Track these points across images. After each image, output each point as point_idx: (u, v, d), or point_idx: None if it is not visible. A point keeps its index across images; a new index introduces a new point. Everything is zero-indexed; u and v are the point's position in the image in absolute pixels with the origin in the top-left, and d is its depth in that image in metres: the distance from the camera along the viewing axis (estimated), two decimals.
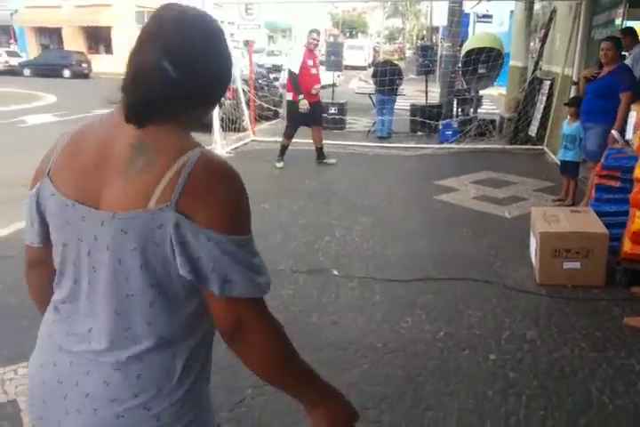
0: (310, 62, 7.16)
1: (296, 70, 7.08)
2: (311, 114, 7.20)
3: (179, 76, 0.99)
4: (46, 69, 25.29)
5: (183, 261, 0.97)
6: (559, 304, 3.51)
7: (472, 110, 9.84)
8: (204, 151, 1.01)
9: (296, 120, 7.31)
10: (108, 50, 30.13)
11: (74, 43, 29.63)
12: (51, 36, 31.39)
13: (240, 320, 0.99)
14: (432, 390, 2.63)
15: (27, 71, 26.02)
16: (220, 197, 0.99)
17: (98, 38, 30.53)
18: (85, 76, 26.09)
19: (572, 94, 6.67)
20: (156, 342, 1.03)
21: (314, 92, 7.21)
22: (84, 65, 26.75)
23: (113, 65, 25.10)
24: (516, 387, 2.65)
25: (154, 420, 1.03)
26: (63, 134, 1.13)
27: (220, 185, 1.00)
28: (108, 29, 29.19)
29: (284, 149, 7.43)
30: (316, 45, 7.43)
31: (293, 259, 4.18)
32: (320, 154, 7.57)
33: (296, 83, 7.10)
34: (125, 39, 28.39)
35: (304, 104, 7.01)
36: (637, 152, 3.73)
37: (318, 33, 7.63)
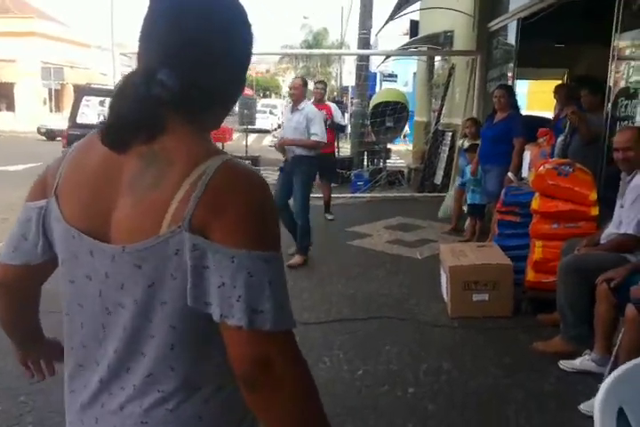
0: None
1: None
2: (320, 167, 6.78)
3: (182, 84, 0.86)
4: None
5: (200, 292, 0.81)
6: (471, 335, 3.57)
7: (382, 162, 10.22)
8: (228, 158, 0.85)
9: None
10: (10, 107, 29.13)
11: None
12: None
13: (268, 360, 0.80)
14: None
15: None
16: (243, 207, 0.82)
17: (2, 96, 29.55)
18: None
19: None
20: (180, 387, 0.89)
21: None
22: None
23: (15, 123, 24.23)
24: (435, 418, 2.63)
25: None
26: (73, 146, 0.99)
27: (244, 195, 0.83)
28: (10, 86, 28.32)
29: None
30: (321, 95, 7.33)
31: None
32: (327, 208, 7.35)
33: None
34: (29, 96, 27.69)
35: None
36: (533, 187, 3.97)
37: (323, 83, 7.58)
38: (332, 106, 7.52)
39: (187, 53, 0.87)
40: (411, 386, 2.92)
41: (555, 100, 5.69)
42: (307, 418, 0.85)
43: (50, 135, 21.70)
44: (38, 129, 22.42)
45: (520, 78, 11.53)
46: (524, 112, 6.45)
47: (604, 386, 1.35)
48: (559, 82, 9.52)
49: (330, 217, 7.25)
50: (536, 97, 13.93)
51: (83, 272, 0.91)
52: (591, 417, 2.53)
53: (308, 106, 5.17)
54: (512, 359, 3.21)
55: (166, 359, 0.88)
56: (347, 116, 14.72)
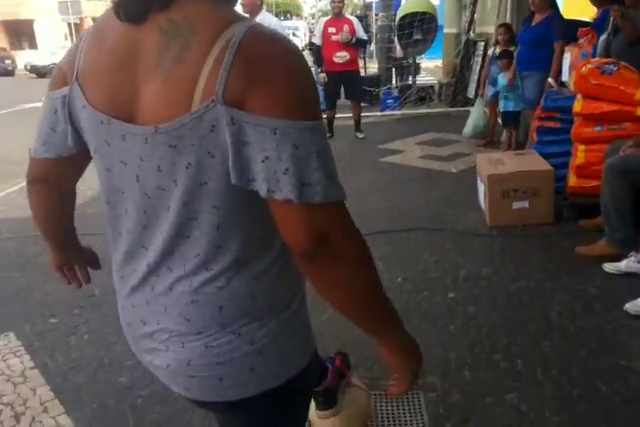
0: (332, 29, 6.75)
1: (319, 42, 6.83)
2: (344, 85, 6.95)
3: None
4: None
5: (242, 168, 0.77)
6: (511, 242, 3.52)
7: (411, 78, 9.85)
8: (254, 24, 0.79)
9: (328, 93, 6.96)
10: (32, 44, 28.82)
11: None
12: None
13: (325, 234, 0.78)
14: None
15: None
16: (281, 74, 0.76)
17: (20, 33, 29.18)
18: (10, 74, 24.90)
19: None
20: (230, 266, 0.89)
21: (337, 60, 6.79)
22: (8, 62, 25.50)
23: (38, 60, 24.05)
24: (477, 320, 2.64)
25: (247, 344, 0.92)
26: (86, 31, 0.93)
27: (279, 61, 0.77)
28: (30, 23, 27.90)
29: (328, 122, 6.99)
30: (340, 8, 6.89)
31: None
32: (357, 127, 7.19)
33: (317, 55, 6.90)
34: (49, 32, 27.29)
35: (320, 77, 6.75)
36: (575, 89, 3.76)
37: None
38: (354, 20, 7.09)
39: None
40: (450, 291, 2.92)
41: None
42: (365, 285, 0.85)
43: (38, 72, 21.66)
44: (25, 66, 22.38)
45: None
46: None
47: None
48: None
49: (361, 135, 7.09)
50: (573, 3, 13.05)
51: (117, 158, 0.88)
52: (637, 316, 2.55)
53: (266, 18, 4.88)
54: (555, 264, 3.17)
55: (212, 239, 0.86)
56: (372, 34, 14.12)
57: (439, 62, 14.02)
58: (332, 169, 0.80)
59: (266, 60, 0.76)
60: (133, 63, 0.81)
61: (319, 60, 6.98)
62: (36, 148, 1.01)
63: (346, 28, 6.74)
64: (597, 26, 4.72)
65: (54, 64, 10.89)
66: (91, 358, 2.45)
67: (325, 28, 6.84)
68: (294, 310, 0.97)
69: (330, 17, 7.01)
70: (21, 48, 28.89)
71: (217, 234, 0.86)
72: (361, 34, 7.00)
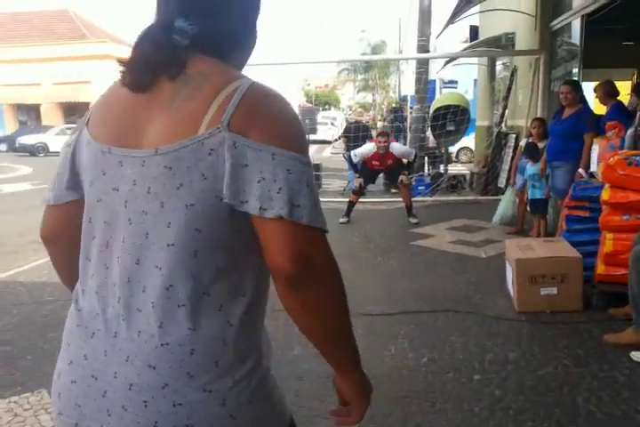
0: (376, 163, 7.27)
1: (356, 161, 7.29)
2: (389, 177, 7.89)
3: (202, 25, 0.92)
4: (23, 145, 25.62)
5: (238, 188, 0.83)
6: (539, 328, 3.51)
7: (442, 166, 10.15)
8: (257, 82, 0.91)
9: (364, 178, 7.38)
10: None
11: (52, 119, 30.22)
12: (29, 112, 32.01)
13: (309, 254, 0.83)
14: (418, 410, 2.57)
15: (2, 146, 26.25)
16: (278, 114, 0.88)
17: (76, 113, 31.19)
18: None
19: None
20: (204, 302, 0.87)
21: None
22: None
23: None
24: (503, 402, 2.61)
25: (218, 404, 0.87)
26: (107, 88, 1.03)
27: (278, 106, 0.89)
28: (86, 105, 29.92)
29: (349, 205, 7.33)
30: (385, 148, 7.14)
31: (272, 298, 4.14)
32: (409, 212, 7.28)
33: (354, 165, 7.46)
34: None
35: (356, 182, 7.34)
36: (603, 179, 3.88)
37: (385, 135, 7.45)
38: (394, 148, 7.31)
39: (200, 1, 0.94)
40: (476, 373, 2.91)
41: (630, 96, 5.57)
42: (340, 312, 0.90)
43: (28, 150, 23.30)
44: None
45: (586, 80, 11.23)
46: None
47: None
48: (628, 82, 9.24)
49: (414, 221, 7.07)
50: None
51: (110, 186, 0.91)
52: None
53: None
54: (583, 351, 3.14)
55: (188, 267, 0.86)
56: (407, 124, 14.76)
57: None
58: (318, 201, 0.87)
59: (265, 105, 0.88)
60: (147, 106, 0.91)
61: (355, 168, 7.45)
62: (47, 197, 1.04)
63: (390, 162, 7.22)
64: (624, 119, 4.93)
65: None
66: None
67: (370, 161, 7.27)
68: (265, 369, 0.94)
69: (374, 151, 7.19)
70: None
71: (194, 262, 0.86)
72: (410, 159, 7.46)
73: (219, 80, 0.88)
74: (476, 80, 14.87)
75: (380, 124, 22.86)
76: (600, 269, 3.71)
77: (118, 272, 0.90)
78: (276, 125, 0.86)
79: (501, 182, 8.78)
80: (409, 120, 14.60)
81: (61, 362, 0.97)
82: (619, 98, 5.43)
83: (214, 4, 0.95)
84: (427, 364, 3.05)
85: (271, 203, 0.82)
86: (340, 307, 0.90)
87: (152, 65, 0.90)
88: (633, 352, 2.98)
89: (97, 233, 0.94)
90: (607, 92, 5.34)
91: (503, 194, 7.99)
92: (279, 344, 3.26)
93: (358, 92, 52.90)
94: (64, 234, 1.04)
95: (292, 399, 2.63)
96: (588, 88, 12.98)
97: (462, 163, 15.09)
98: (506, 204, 6.75)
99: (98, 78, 28.37)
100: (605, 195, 3.72)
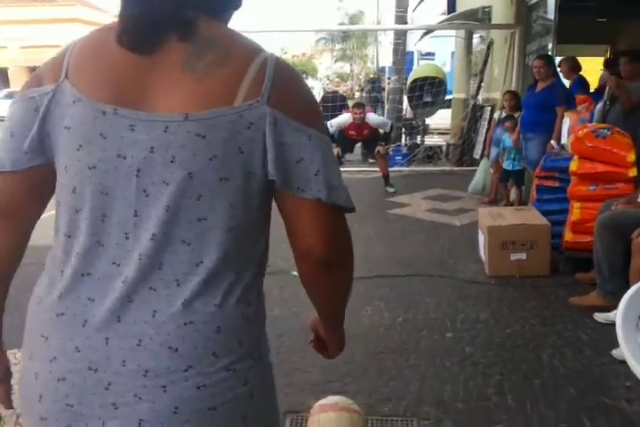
0: (353, 132, 7.32)
1: (332, 132, 7.28)
2: (366, 146, 7.90)
3: None
4: None
5: (278, 166, 0.81)
6: (509, 291, 3.69)
7: (419, 137, 10.26)
8: (277, 57, 0.87)
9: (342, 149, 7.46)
10: None
11: (20, 83, 29.32)
12: None
13: (338, 235, 0.86)
14: (393, 365, 2.72)
15: None
16: (307, 94, 0.88)
17: None
18: None
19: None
20: (234, 280, 0.84)
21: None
22: None
23: None
24: (473, 358, 2.77)
25: (241, 384, 0.84)
26: (75, 42, 0.89)
27: (303, 83, 0.89)
28: None
29: None
30: (361, 119, 7.23)
31: None
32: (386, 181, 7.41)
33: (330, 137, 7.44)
34: None
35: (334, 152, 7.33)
36: (572, 150, 4.03)
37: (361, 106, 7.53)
38: (370, 119, 7.40)
39: None
40: (449, 332, 3.07)
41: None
42: (349, 285, 0.96)
43: None
44: None
45: (560, 55, 11.29)
46: None
47: (630, 291, 1.47)
48: (601, 58, 9.37)
49: (391, 190, 7.24)
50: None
51: (113, 153, 0.80)
52: (623, 361, 2.68)
53: None
54: (549, 312, 3.32)
55: (221, 243, 0.82)
56: (384, 95, 14.76)
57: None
58: (343, 181, 0.88)
59: (297, 82, 0.87)
60: (148, 69, 0.81)
61: (332, 138, 7.48)
62: None
63: (366, 132, 7.29)
64: (594, 95, 5.07)
65: None
66: None
67: (346, 131, 7.34)
68: (268, 351, 0.94)
69: (351, 122, 7.27)
70: None
71: (228, 238, 0.82)
72: (382, 127, 7.49)
73: (245, 48, 0.84)
74: (453, 52, 14.88)
75: (357, 94, 22.80)
76: (568, 236, 3.88)
77: (124, 250, 0.82)
78: (308, 106, 0.86)
79: (476, 153, 8.94)
80: (386, 91, 14.61)
81: (36, 361, 0.84)
82: (581, 73, 5.60)
83: None
84: (401, 323, 3.20)
85: (309, 184, 0.82)
86: (352, 280, 0.96)
87: (158, 22, 0.80)
88: (596, 313, 3.16)
89: (86, 205, 0.83)
90: (571, 67, 5.52)
91: (478, 165, 8.17)
92: None
93: (336, 61, 52.39)
94: (22, 207, 0.88)
95: (274, 355, 2.75)
96: None
97: (431, 133, 15.22)
98: (480, 174, 6.90)
99: (66, 42, 27.51)
100: (574, 166, 3.87)
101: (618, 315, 1.52)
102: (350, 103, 9.55)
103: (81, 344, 0.81)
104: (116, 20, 0.85)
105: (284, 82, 0.83)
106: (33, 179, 0.87)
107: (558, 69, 5.83)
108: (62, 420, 0.82)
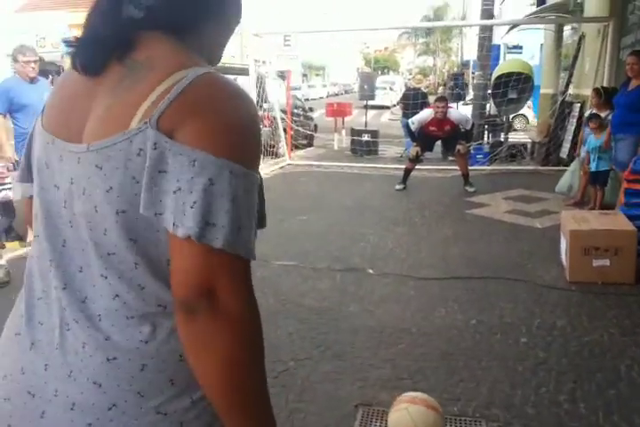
0: (433, 128, 7.27)
1: (414, 129, 7.36)
2: (446, 145, 7.79)
3: (153, 4, 0.81)
4: None
5: (153, 199, 0.72)
6: (589, 298, 3.60)
7: (503, 135, 10.02)
8: (213, 72, 0.77)
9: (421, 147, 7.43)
10: None
11: None
12: None
13: (214, 284, 0.70)
14: (465, 366, 2.76)
15: None
16: (220, 113, 0.74)
17: None
18: None
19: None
20: (154, 312, 0.78)
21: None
22: None
23: None
24: (546, 364, 2.77)
25: None
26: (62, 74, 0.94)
27: (224, 103, 0.75)
28: None
29: (405, 173, 7.43)
30: (444, 113, 7.15)
31: (330, 260, 4.38)
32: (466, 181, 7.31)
33: (411, 133, 7.57)
34: None
35: (412, 151, 7.46)
36: None
37: (444, 100, 7.49)
38: (452, 114, 7.30)
39: None
40: (523, 337, 3.06)
41: None
42: (243, 361, 0.73)
43: None
44: None
45: None
46: None
47: None
48: None
49: (471, 189, 7.14)
50: None
51: (52, 181, 0.83)
52: None
53: None
54: (630, 322, 3.23)
55: (133, 278, 0.77)
56: (468, 90, 14.49)
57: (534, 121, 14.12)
58: (246, 222, 0.73)
59: (208, 100, 0.74)
60: (89, 93, 0.81)
61: (412, 136, 7.54)
62: (19, 191, 0.99)
63: (447, 128, 7.22)
64: None
65: None
66: None
67: (427, 126, 7.28)
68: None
69: (432, 117, 7.21)
70: None
71: (136, 273, 0.77)
72: (467, 127, 7.39)
73: (164, 68, 0.76)
74: (542, 45, 14.36)
75: (440, 89, 22.45)
76: None
77: (59, 278, 0.81)
78: (211, 126, 0.72)
79: (564, 153, 8.63)
80: (470, 86, 14.33)
81: None
82: None
83: None
84: (475, 325, 3.22)
85: (183, 219, 0.70)
86: (247, 355, 0.73)
87: (101, 43, 0.79)
88: None
89: (40, 232, 0.85)
90: None
91: (565, 165, 7.90)
92: (336, 302, 3.50)
93: (418, 55, 51.68)
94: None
95: (349, 350, 2.88)
96: None
97: (515, 131, 14.74)
98: (569, 174, 6.67)
99: None
100: None
101: None
102: (431, 100, 9.48)
103: (26, 367, 0.81)
104: None
105: (190, 100, 0.73)
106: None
107: None
108: None
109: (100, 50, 0.79)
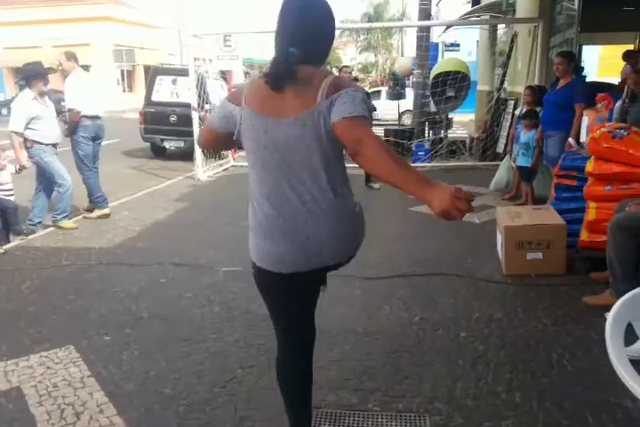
0: None
1: None
2: None
3: (304, 51, 1.67)
4: None
5: (334, 113, 1.62)
6: (523, 290, 3.79)
7: (442, 132, 10.28)
8: (335, 75, 1.72)
9: None
10: None
11: (53, 82, 29.99)
12: None
13: (360, 137, 1.57)
14: (409, 363, 2.86)
15: (4, 111, 26.17)
16: (345, 87, 1.68)
17: None
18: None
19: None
20: (340, 183, 1.78)
21: None
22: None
23: None
24: (485, 357, 2.90)
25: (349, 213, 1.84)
26: (245, 83, 1.85)
27: (345, 83, 1.71)
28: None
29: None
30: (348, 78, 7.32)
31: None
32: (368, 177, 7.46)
33: None
34: (103, 77, 28.94)
35: None
36: (588, 150, 4.08)
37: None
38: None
39: (304, 36, 1.71)
40: (463, 331, 3.20)
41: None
42: (390, 162, 1.51)
43: None
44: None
45: (589, 44, 11.10)
46: (594, 78, 6.41)
47: (618, 303, 1.59)
48: (630, 46, 9.27)
49: (376, 186, 7.38)
50: (607, 62, 13.46)
51: (271, 141, 1.71)
52: (632, 361, 2.76)
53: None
54: (562, 312, 3.42)
55: (329, 169, 1.73)
56: (408, 88, 14.72)
57: (472, 116, 14.52)
58: (362, 109, 1.62)
59: (340, 84, 1.69)
60: (279, 97, 1.70)
61: None
62: (211, 121, 1.89)
63: None
64: (613, 93, 5.09)
65: None
66: (139, 370, 2.79)
67: None
68: None
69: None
70: None
71: (326, 166, 1.73)
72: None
73: (318, 78, 1.69)
74: (478, 42, 14.78)
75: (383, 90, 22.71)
76: (583, 235, 3.95)
77: (289, 179, 1.75)
78: (345, 88, 1.68)
79: (500, 148, 8.95)
80: (410, 84, 14.57)
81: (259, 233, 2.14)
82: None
83: (312, 37, 1.73)
84: (418, 322, 3.34)
85: (353, 109, 1.60)
86: (389, 159, 1.50)
87: (280, 76, 1.68)
88: (607, 313, 3.24)
89: (266, 164, 1.75)
90: None
91: (501, 160, 8.19)
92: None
93: (360, 52, 52.06)
94: (211, 144, 2.08)
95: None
96: (592, 51, 12.82)
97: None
98: (503, 171, 6.94)
99: (97, 40, 28.03)
100: (590, 166, 3.93)
101: (606, 337, 1.66)
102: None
103: (285, 212, 1.87)
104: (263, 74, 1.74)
105: (335, 86, 1.67)
106: (221, 136, 1.90)
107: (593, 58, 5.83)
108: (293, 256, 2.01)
109: (280, 79, 1.68)
